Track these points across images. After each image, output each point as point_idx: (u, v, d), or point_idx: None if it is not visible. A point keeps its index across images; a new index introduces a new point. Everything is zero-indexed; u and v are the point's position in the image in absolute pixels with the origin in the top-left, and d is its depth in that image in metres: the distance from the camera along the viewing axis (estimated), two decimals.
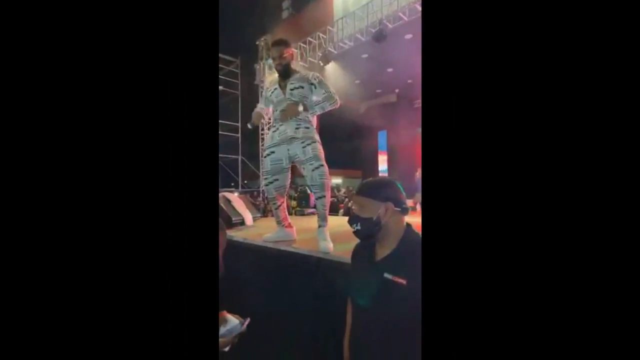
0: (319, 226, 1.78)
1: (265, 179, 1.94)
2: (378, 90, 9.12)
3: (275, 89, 1.92)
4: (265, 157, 1.93)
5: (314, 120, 1.92)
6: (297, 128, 1.83)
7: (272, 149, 1.90)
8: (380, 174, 11.36)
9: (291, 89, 1.87)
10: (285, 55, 1.88)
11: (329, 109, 1.86)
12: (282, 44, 1.91)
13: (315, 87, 1.86)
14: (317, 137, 1.87)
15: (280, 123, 1.87)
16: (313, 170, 1.78)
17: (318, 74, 1.93)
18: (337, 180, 15.79)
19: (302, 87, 1.86)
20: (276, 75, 1.96)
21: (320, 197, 1.81)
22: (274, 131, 1.91)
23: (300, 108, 1.81)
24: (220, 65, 12.65)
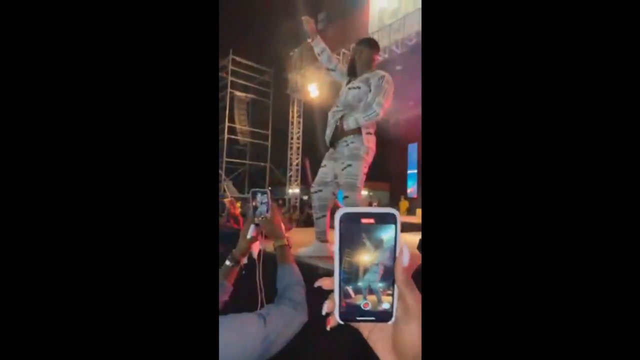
0: None
1: (312, 187, 1.97)
2: (410, 103, 8.98)
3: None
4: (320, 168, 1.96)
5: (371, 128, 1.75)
6: (345, 146, 1.74)
7: (325, 162, 1.91)
8: (409, 189, 11.10)
9: (349, 88, 1.73)
10: (364, 58, 1.75)
11: (363, 122, 1.66)
12: (369, 45, 1.78)
13: (370, 90, 1.67)
14: (364, 154, 1.71)
15: (338, 142, 1.78)
16: (343, 199, 1.74)
17: (386, 76, 1.68)
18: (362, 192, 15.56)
19: (360, 88, 1.70)
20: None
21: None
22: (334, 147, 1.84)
23: (346, 126, 1.69)
24: (253, 75, 13.04)
